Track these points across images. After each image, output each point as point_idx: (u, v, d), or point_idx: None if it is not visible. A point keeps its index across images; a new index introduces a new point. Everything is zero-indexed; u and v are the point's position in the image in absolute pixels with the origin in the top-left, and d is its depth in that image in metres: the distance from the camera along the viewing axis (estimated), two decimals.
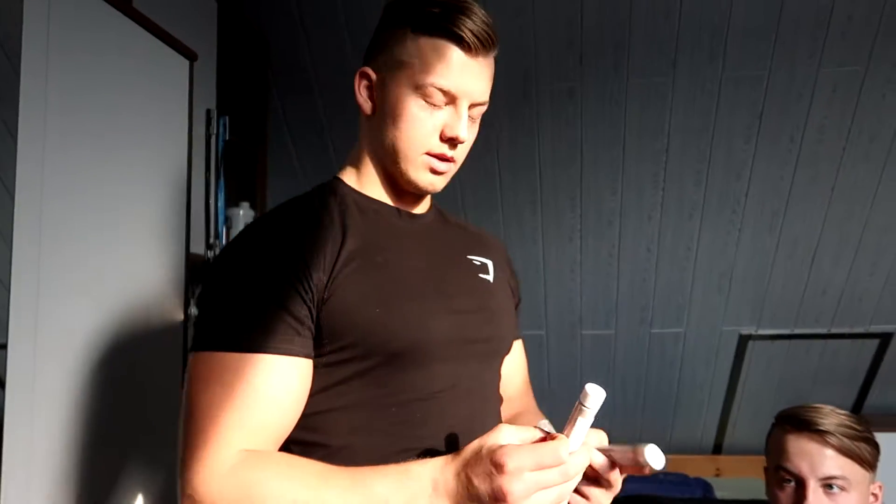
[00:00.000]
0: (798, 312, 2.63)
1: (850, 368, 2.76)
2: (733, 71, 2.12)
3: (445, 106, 0.87)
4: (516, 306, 1.09)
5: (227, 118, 1.94)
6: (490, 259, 1.01)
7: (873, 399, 2.84)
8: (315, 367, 0.81)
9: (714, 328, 2.71)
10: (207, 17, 1.91)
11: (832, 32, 2.01)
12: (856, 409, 2.88)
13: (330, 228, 0.85)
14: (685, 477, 2.86)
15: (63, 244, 1.18)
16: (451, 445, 0.83)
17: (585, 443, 0.72)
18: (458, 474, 0.69)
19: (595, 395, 0.70)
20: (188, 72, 1.53)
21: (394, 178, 0.92)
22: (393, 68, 0.88)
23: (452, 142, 0.88)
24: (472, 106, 0.89)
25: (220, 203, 1.93)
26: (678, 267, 2.56)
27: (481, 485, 0.67)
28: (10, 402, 1.08)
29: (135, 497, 1.37)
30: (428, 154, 0.88)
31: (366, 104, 0.92)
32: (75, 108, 1.20)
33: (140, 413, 1.39)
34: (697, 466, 2.95)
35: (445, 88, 0.86)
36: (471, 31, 0.85)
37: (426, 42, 0.86)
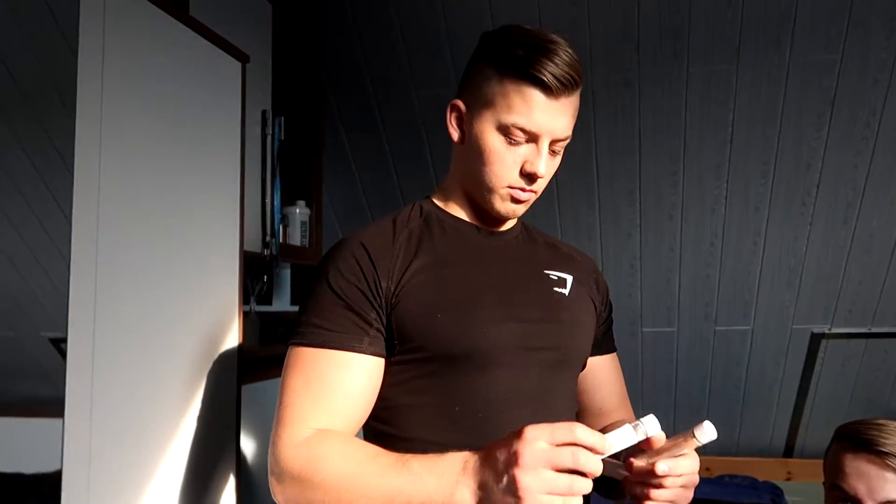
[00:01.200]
0: (876, 310, 2.48)
1: None
2: (802, 56, 2.01)
3: (527, 143, 0.93)
4: (604, 321, 1.14)
5: (282, 119, 1.97)
6: (571, 274, 1.06)
7: None
8: (390, 364, 0.92)
9: (784, 326, 2.59)
10: (262, 19, 1.94)
11: None
12: None
13: (405, 242, 0.95)
14: (754, 480, 2.75)
15: (120, 244, 1.22)
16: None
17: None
18: (484, 452, 0.75)
19: (708, 433, 0.76)
20: (241, 74, 1.55)
21: (477, 203, 1.01)
22: (479, 104, 0.95)
23: (531, 177, 0.94)
24: (554, 141, 0.94)
25: (277, 202, 1.97)
26: (744, 262, 2.46)
27: (500, 453, 0.72)
28: (70, 391, 1.12)
29: (191, 486, 1.41)
30: (510, 187, 0.95)
31: (455, 133, 0.99)
32: (130, 113, 1.24)
33: (198, 406, 1.43)
34: (767, 470, 2.83)
35: (527, 129, 0.91)
36: (553, 75, 0.89)
37: (510, 84, 0.91)
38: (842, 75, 2.03)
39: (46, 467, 1.31)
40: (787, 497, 2.69)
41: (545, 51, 0.89)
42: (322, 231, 2.37)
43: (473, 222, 1.03)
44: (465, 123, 0.97)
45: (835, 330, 2.55)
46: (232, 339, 1.53)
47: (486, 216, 1.02)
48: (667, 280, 2.55)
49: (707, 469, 2.86)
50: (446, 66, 2.19)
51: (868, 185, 2.23)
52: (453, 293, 0.92)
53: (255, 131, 1.87)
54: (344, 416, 0.88)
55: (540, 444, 0.70)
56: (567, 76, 0.90)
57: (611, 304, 1.18)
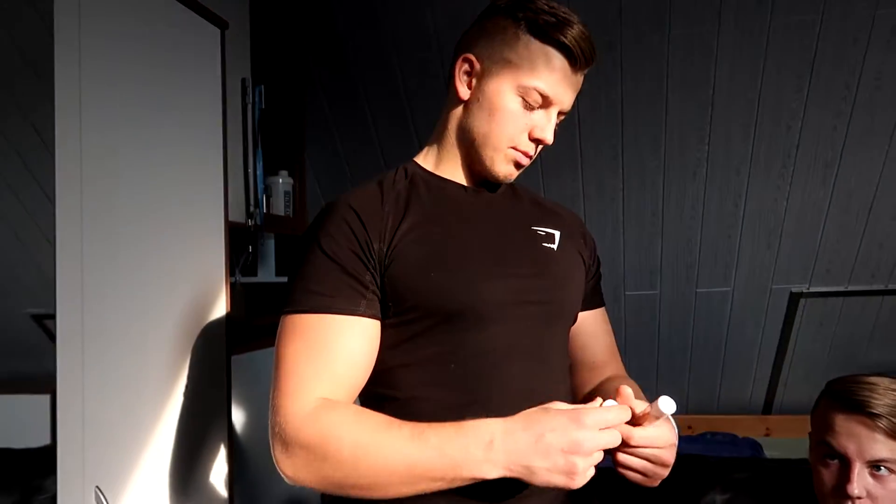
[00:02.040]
0: (853, 268, 2.53)
1: None
2: (783, 15, 2.01)
3: (539, 108, 0.95)
4: (593, 276, 1.16)
5: (262, 87, 1.94)
6: (558, 230, 1.07)
7: None
8: (385, 327, 0.92)
9: (763, 286, 2.63)
10: None
11: None
12: None
13: (394, 204, 0.94)
14: (734, 437, 2.83)
15: (104, 216, 1.20)
16: (509, 402, 0.88)
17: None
18: (525, 428, 0.77)
19: (666, 407, 0.79)
20: (220, 41, 1.52)
21: (474, 163, 1.00)
22: (499, 63, 0.94)
23: (538, 143, 0.97)
24: (560, 113, 0.97)
25: (259, 171, 1.95)
26: (725, 224, 2.49)
27: (555, 439, 0.75)
28: (61, 366, 1.12)
29: (184, 455, 1.42)
30: (514, 148, 0.97)
31: (463, 90, 0.98)
32: (109, 81, 1.22)
33: (188, 378, 1.43)
34: (747, 426, 2.91)
35: (546, 94, 0.93)
36: (581, 47, 0.92)
37: (538, 47, 0.92)
38: (821, 36, 2.03)
39: (35, 442, 1.31)
40: (766, 451, 2.77)
41: (571, 22, 0.92)
42: (306, 200, 2.35)
43: (458, 181, 1.03)
44: (476, 80, 0.97)
45: (813, 289, 2.60)
46: (219, 310, 1.53)
47: (476, 178, 1.02)
48: (649, 243, 2.58)
49: (689, 427, 2.93)
50: (427, 30, 2.16)
51: (846, 146, 2.25)
52: (445, 251, 0.93)
53: (235, 100, 1.84)
54: (346, 382, 0.89)
55: (597, 431, 0.76)
56: (590, 50, 0.93)
57: (598, 259, 1.20)
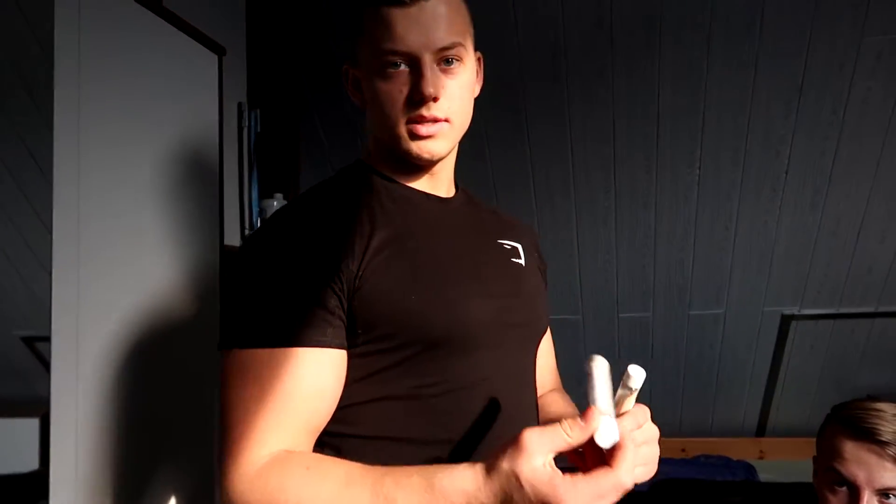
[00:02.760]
0: (843, 291, 2.55)
1: None
2: (771, 43, 2.05)
3: (407, 68, 0.82)
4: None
5: (258, 111, 1.96)
6: (520, 243, 1.00)
7: None
8: (349, 357, 0.79)
9: (755, 309, 2.65)
10: (236, 10, 1.92)
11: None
12: None
13: (358, 216, 0.82)
14: (728, 460, 2.82)
15: (101, 239, 1.21)
16: (493, 434, 0.81)
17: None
18: (520, 486, 0.63)
19: (638, 376, 0.72)
20: (217, 66, 1.54)
21: (400, 159, 0.88)
22: (360, 59, 0.87)
23: (420, 102, 0.82)
24: (440, 55, 0.82)
25: (254, 194, 1.96)
26: (716, 247, 2.51)
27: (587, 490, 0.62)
28: (55, 390, 1.11)
29: (175, 482, 1.41)
30: (408, 122, 0.83)
31: (355, 98, 0.91)
32: (108, 105, 1.23)
33: (177, 402, 1.43)
34: (740, 449, 2.90)
35: (392, 49, 0.81)
36: None
37: (367, 15, 0.83)
38: (809, 63, 2.08)
39: (23, 467, 1.30)
40: (760, 475, 2.76)
41: None
42: None
43: (418, 188, 0.92)
44: (360, 86, 0.89)
45: (804, 312, 2.62)
46: (214, 333, 1.53)
47: (419, 172, 0.91)
48: (642, 266, 2.59)
49: (683, 450, 2.92)
50: None
51: (835, 171, 2.28)
52: (424, 270, 0.81)
53: (231, 124, 1.85)
54: (310, 427, 0.76)
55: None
56: None
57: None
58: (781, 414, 2.92)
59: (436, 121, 0.83)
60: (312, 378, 0.75)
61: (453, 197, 0.96)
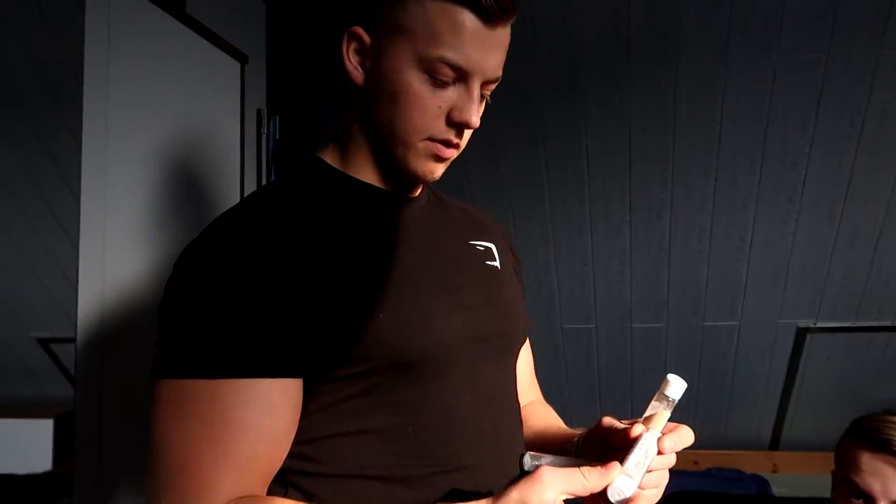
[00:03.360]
0: (860, 304, 2.53)
1: None
2: (788, 55, 2.05)
3: (454, 83, 0.73)
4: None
5: (276, 118, 1.98)
6: (492, 243, 0.90)
7: None
8: (309, 384, 0.68)
9: (770, 321, 2.63)
10: (257, 17, 1.94)
11: (895, 11, 1.93)
12: None
13: (317, 224, 0.73)
14: (741, 473, 2.80)
15: (125, 243, 1.22)
16: (481, 461, 0.75)
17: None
18: None
19: (677, 386, 0.70)
20: (240, 74, 1.56)
21: (387, 161, 0.78)
22: (391, 33, 0.73)
23: (461, 127, 0.74)
24: (484, 84, 0.75)
25: None
26: (732, 258, 2.50)
27: None
28: (79, 396, 1.12)
29: None
30: (431, 139, 0.75)
31: (356, 73, 0.77)
32: (134, 112, 1.24)
33: None
34: (753, 462, 2.88)
35: (457, 64, 0.71)
36: None
37: (434, 4, 0.70)
38: (827, 74, 2.07)
39: (37, 468, 1.31)
40: (774, 488, 2.74)
41: None
42: None
43: (381, 186, 0.80)
44: (369, 59, 0.75)
45: (819, 324, 2.60)
46: None
47: (394, 179, 0.80)
48: (656, 276, 2.58)
49: (695, 462, 2.90)
50: None
51: (852, 182, 2.27)
52: (391, 282, 0.72)
53: (250, 130, 1.87)
54: (263, 468, 0.65)
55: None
56: None
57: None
58: (795, 427, 2.89)
59: (458, 147, 0.77)
60: (265, 411, 0.64)
61: (419, 195, 0.85)
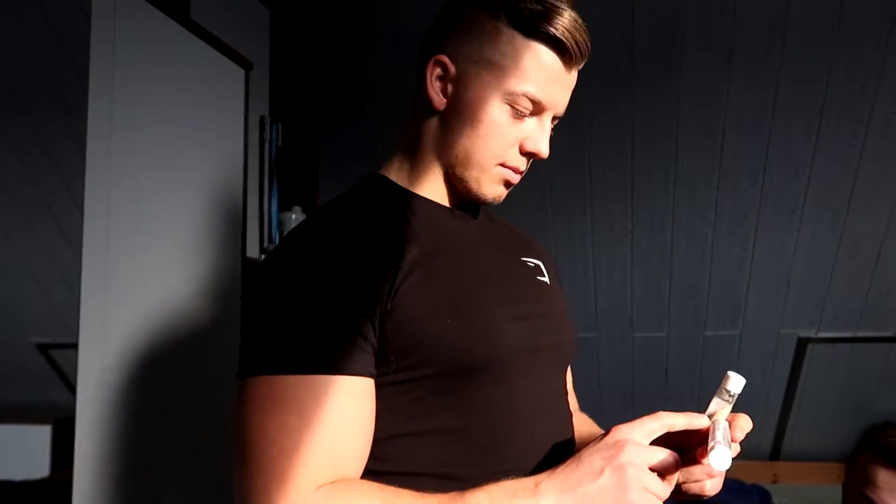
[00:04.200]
0: (861, 315, 2.53)
1: None
2: (792, 65, 2.05)
3: (530, 116, 0.80)
4: None
5: (279, 125, 1.97)
6: (540, 260, 0.95)
7: None
8: (379, 386, 0.73)
9: (771, 331, 2.62)
10: (260, 24, 1.94)
11: None
12: None
13: (386, 235, 0.77)
14: (742, 483, 2.79)
15: (128, 251, 1.22)
16: (538, 465, 0.77)
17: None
18: (567, 462, 0.69)
19: (737, 382, 0.74)
20: (244, 80, 1.56)
21: (455, 182, 0.84)
22: (478, 65, 0.79)
23: (531, 156, 0.82)
24: (555, 120, 0.84)
25: (274, 207, 1.97)
26: (733, 268, 2.50)
27: (596, 452, 0.68)
28: (80, 402, 1.11)
29: (197, 491, 1.41)
30: (503, 165, 0.82)
31: (437, 98, 0.81)
32: (139, 118, 1.24)
33: (200, 412, 1.43)
34: (754, 472, 2.87)
35: (538, 99, 0.79)
36: (574, 40, 0.78)
37: (523, 44, 0.77)
38: (830, 85, 2.07)
39: (34, 474, 1.30)
40: (775, 499, 2.73)
41: (560, 8, 0.77)
42: None
43: (442, 203, 0.86)
44: (451, 86, 0.80)
45: (821, 335, 2.59)
46: (234, 345, 1.53)
47: (457, 198, 0.87)
48: (658, 285, 2.58)
49: None
50: None
51: (854, 193, 2.27)
52: (456, 292, 0.77)
53: (253, 137, 1.87)
54: (357, 460, 0.71)
55: (642, 446, 0.69)
56: (585, 43, 0.79)
57: None
58: (796, 438, 2.89)
59: (522, 174, 0.84)
60: (356, 407, 0.70)
61: (475, 212, 0.91)
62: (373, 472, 0.72)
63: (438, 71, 0.81)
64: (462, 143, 0.80)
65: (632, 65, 2.11)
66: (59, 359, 1.45)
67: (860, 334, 2.57)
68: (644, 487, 0.66)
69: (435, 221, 0.83)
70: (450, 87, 0.81)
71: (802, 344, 2.62)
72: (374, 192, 0.85)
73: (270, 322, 0.71)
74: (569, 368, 1.05)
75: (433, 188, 0.85)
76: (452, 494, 0.68)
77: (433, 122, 0.83)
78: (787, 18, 1.96)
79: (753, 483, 2.80)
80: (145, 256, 1.26)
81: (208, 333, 1.46)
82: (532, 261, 0.94)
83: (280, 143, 1.98)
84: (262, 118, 1.91)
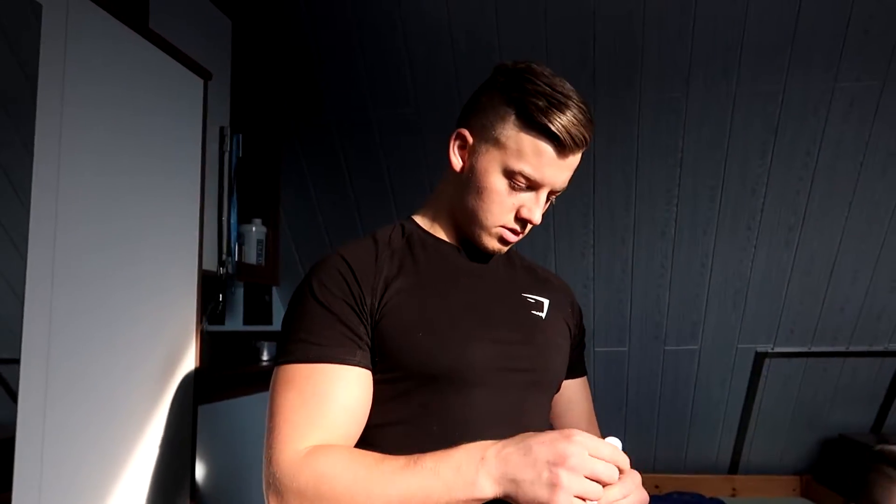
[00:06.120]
0: (815, 330, 2.59)
1: (869, 387, 2.71)
2: (748, 86, 2.10)
3: (527, 190, 0.94)
4: (577, 345, 1.15)
5: (240, 136, 1.95)
6: (547, 298, 1.07)
7: (893, 418, 2.79)
8: (373, 381, 0.91)
9: (730, 345, 2.67)
10: (221, 34, 1.92)
11: (848, 47, 2.00)
12: (875, 428, 2.83)
13: (388, 261, 0.96)
14: (701, 497, 2.82)
15: (77, 260, 1.18)
16: None
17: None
18: (515, 443, 0.78)
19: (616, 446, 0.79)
20: (202, 90, 1.53)
21: (464, 232, 1.01)
22: (488, 142, 0.94)
23: (525, 223, 0.97)
24: (552, 192, 0.97)
25: (234, 220, 1.94)
26: (692, 283, 2.54)
27: (542, 450, 0.75)
28: (21, 415, 1.07)
29: None
30: (502, 227, 0.97)
31: (456, 162, 0.98)
32: (91, 126, 1.21)
33: (153, 428, 1.38)
34: (713, 486, 2.90)
35: (533, 178, 0.93)
36: (569, 133, 0.90)
37: (525, 133, 0.91)
38: (784, 105, 2.13)
39: None
40: None
41: (564, 105, 0.90)
42: (279, 250, 2.33)
43: (456, 244, 1.04)
44: (470, 154, 0.97)
45: (777, 349, 2.65)
46: (189, 359, 1.49)
47: (469, 245, 1.03)
48: (619, 300, 2.61)
49: (656, 486, 2.91)
50: (406, 87, 2.20)
51: (808, 210, 2.33)
52: (433, 313, 0.93)
53: (212, 148, 1.84)
54: (341, 431, 0.88)
55: (587, 452, 0.75)
56: (580, 135, 0.91)
57: (584, 328, 1.19)
58: (754, 451, 2.93)
59: (521, 234, 0.99)
60: (341, 390, 0.87)
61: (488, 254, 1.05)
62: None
63: (460, 141, 0.98)
64: (470, 204, 0.97)
65: (592, 84, 2.14)
66: (6, 374, 1.40)
67: (814, 349, 2.63)
68: (574, 494, 0.74)
69: (442, 258, 1.01)
70: (467, 156, 0.97)
71: (759, 358, 2.67)
72: (398, 228, 1.04)
73: (290, 324, 0.92)
74: (587, 401, 1.18)
75: (448, 232, 1.03)
76: (411, 457, 0.81)
77: (453, 182, 1.01)
78: (742, 40, 2.01)
79: (712, 497, 2.83)
80: (94, 268, 1.22)
81: (161, 342, 1.42)
82: (535, 297, 1.06)
83: (241, 155, 1.95)
84: (221, 129, 1.88)
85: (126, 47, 1.30)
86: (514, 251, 1.14)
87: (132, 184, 1.32)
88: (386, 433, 0.91)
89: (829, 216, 2.33)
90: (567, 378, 1.12)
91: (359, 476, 0.80)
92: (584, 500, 0.74)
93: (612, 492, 0.78)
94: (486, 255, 1.05)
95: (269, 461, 0.85)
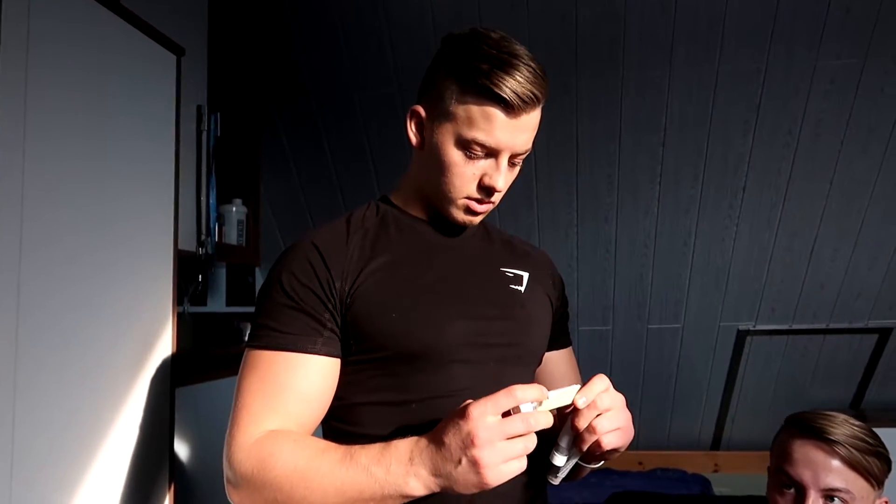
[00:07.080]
0: (796, 307, 2.61)
1: (848, 364, 2.74)
2: (730, 64, 2.10)
3: (486, 157, 0.93)
4: (560, 317, 1.15)
5: (218, 115, 1.92)
6: (527, 271, 1.07)
7: (872, 395, 2.82)
8: (346, 363, 0.93)
9: (712, 324, 2.69)
10: (198, 9, 1.88)
11: (830, 25, 1.99)
12: (854, 404, 2.86)
13: (360, 242, 0.96)
14: (684, 473, 2.85)
15: (46, 241, 1.16)
16: None
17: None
18: (431, 440, 0.78)
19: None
20: (175, 67, 1.50)
21: (436, 208, 1.00)
22: (439, 115, 0.93)
23: (489, 190, 0.94)
24: (514, 155, 0.94)
25: (212, 200, 1.92)
26: (675, 262, 2.55)
27: (452, 439, 0.75)
28: None
29: (129, 493, 1.36)
30: (467, 198, 0.96)
31: (415, 139, 0.98)
32: (56, 104, 1.18)
33: (130, 411, 1.38)
34: (696, 462, 2.94)
35: (487, 145, 0.90)
36: (515, 93, 0.88)
37: (471, 100, 0.89)
38: (766, 84, 2.13)
39: None
40: (715, 488, 2.80)
41: (508, 66, 0.88)
42: (260, 230, 2.32)
43: (429, 221, 1.03)
44: (426, 130, 0.96)
45: (759, 327, 2.67)
46: (165, 341, 1.48)
47: (443, 220, 1.02)
48: (602, 279, 2.61)
49: (640, 463, 2.94)
50: (387, 65, 2.18)
51: (790, 189, 2.34)
52: (408, 292, 0.93)
53: (190, 127, 1.81)
54: (297, 417, 0.88)
55: (489, 418, 0.75)
56: (529, 94, 0.89)
57: (566, 299, 1.19)
58: (736, 428, 2.97)
59: (490, 203, 0.97)
60: (298, 378, 0.88)
61: (464, 229, 1.04)
62: (338, 431, 0.94)
63: (416, 119, 0.98)
64: (433, 179, 0.96)
65: (575, 62, 2.13)
66: None
67: (795, 326, 2.65)
68: (501, 461, 0.75)
69: (415, 234, 1.01)
70: (424, 132, 0.97)
71: (741, 336, 2.69)
72: (372, 207, 1.04)
73: (259, 308, 0.93)
74: (573, 371, 1.18)
75: (421, 209, 1.03)
76: (349, 450, 0.81)
77: (417, 160, 1.01)
78: (724, 17, 2.00)
79: (694, 472, 2.87)
80: (64, 252, 1.21)
81: (136, 324, 1.41)
82: (513, 271, 1.06)
83: (219, 134, 1.93)
84: (199, 107, 1.86)
85: (92, 22, 1.27)
86: (493, 225, 1.14)
87: (102, 166, 1.30)
88: (365, 412, 0.93)
89: (810, 195, 2.34)
90: (552, 349, 1.12)
91: (299, 466, 0.81)
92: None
93: (593, 388, 0.84)
94: (460, 229, 1.04)
95: (227, 444, 0.87)
